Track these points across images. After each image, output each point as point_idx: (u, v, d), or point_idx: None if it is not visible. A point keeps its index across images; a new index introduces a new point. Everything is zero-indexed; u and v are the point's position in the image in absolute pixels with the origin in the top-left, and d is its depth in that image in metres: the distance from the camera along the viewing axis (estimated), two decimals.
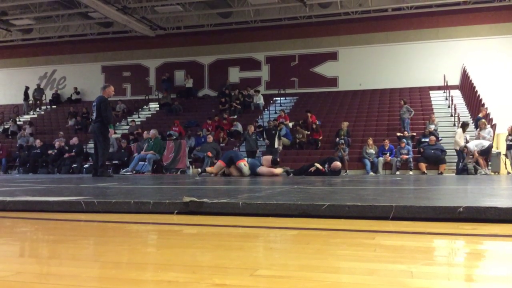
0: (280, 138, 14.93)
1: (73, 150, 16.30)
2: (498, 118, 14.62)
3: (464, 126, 13.73)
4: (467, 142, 13.43)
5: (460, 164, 13.17)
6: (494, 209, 2.07)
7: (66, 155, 16.13)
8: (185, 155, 15.23)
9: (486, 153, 12.85)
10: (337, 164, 10.60)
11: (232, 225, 2.15)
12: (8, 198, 2.84)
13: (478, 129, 13.45)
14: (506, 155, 14.39)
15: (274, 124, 15.70)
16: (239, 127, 17.82)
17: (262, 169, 9.66)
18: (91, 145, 17.03)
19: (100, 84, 22.37)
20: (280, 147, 14.95)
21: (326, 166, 10.56)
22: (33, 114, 24.09)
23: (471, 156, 12.83)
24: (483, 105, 15.12)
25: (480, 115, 14.16)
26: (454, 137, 13.92)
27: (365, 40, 21.24)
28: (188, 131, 17.84)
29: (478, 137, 13.26)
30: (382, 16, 21.02)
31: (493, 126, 13.91)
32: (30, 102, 24.62)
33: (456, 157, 13.69)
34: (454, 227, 1.98)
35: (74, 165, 15.89)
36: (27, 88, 24.31)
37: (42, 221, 2.38)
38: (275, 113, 19.11)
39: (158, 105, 22.52)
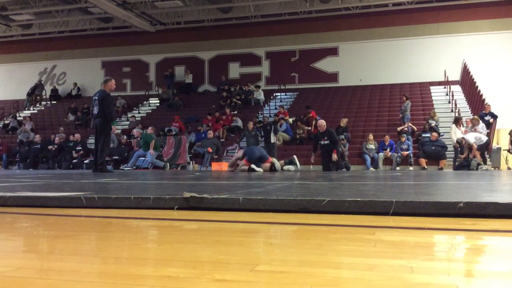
0: (276, 133, 14.77)
1: (77, 147, 16.24)
2: (499, 113, 14.59)
3: (457, 120, 13.71)
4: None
5: (461, 159, 13.11)
6: (494, 204, 2.08)
7: (76, 154, 16.00)
8: (185, 151, 15.25)
9: (482, 148, 12.84)
10: (321, 121, 11.36)
11: (233, 221, 2.15)
12: (9, 194, 2.84)
13: (471, 124, 13.41)
14: (508, 150, 14.42)
15: (274, 120, 15.65)
16: (239, 122, 17.81)
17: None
18: (91, 140, 17.06)
19: (100, 80, 22.35)
20: (278, 142, 14.85)
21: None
22: (33, 109, 24.08)
23: (466, 149, 12.78)
24: (483, 101, 15.10)
25: (485, 112, 14.13)
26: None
27: (365, 36, 21.20)
28: (188, 126, 17.84)
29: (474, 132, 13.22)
30: (382, 11, 20.97)
31: (493, 123, 13.90)
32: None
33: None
34: (454, 223, 1.98)
35: (75, 161, 15.90)
36: (36, 85, 24.28)
37: (43, 217, 2.38)
38: (275, 108, 19.08)
39: (158, 101, 22.51)
